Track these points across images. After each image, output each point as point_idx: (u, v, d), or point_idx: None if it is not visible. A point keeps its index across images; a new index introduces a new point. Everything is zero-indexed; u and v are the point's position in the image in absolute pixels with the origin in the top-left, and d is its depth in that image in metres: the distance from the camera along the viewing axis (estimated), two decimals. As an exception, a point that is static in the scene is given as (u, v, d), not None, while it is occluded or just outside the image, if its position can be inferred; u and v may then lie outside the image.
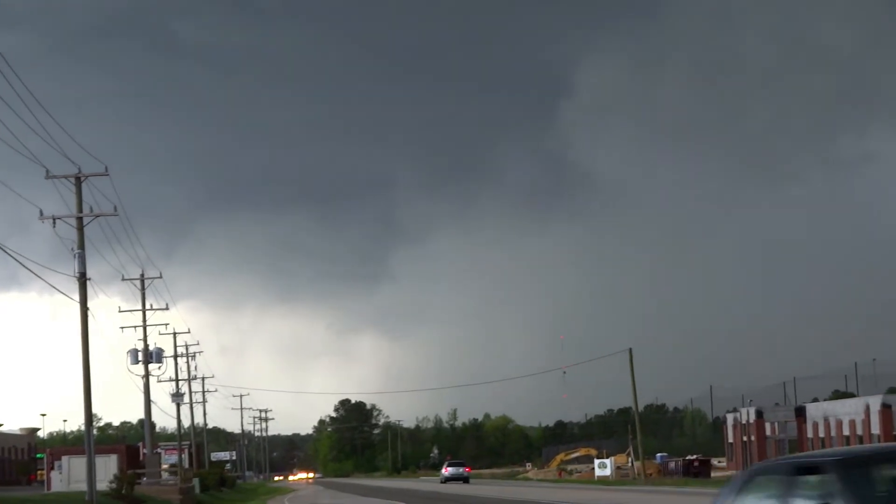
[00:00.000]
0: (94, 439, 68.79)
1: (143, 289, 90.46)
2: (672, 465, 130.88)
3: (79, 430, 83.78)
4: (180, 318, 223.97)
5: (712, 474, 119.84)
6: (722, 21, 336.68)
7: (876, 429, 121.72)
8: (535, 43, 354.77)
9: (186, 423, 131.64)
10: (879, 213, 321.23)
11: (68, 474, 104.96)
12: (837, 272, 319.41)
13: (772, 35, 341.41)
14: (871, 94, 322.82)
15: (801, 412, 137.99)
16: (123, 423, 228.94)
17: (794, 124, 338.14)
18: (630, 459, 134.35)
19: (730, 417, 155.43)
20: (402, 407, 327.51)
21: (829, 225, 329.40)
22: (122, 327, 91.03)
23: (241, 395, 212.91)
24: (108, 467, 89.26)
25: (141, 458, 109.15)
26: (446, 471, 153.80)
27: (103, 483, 72.85)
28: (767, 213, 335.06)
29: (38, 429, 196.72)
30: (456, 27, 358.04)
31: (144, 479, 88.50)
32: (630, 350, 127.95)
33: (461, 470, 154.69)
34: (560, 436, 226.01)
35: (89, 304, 63.02)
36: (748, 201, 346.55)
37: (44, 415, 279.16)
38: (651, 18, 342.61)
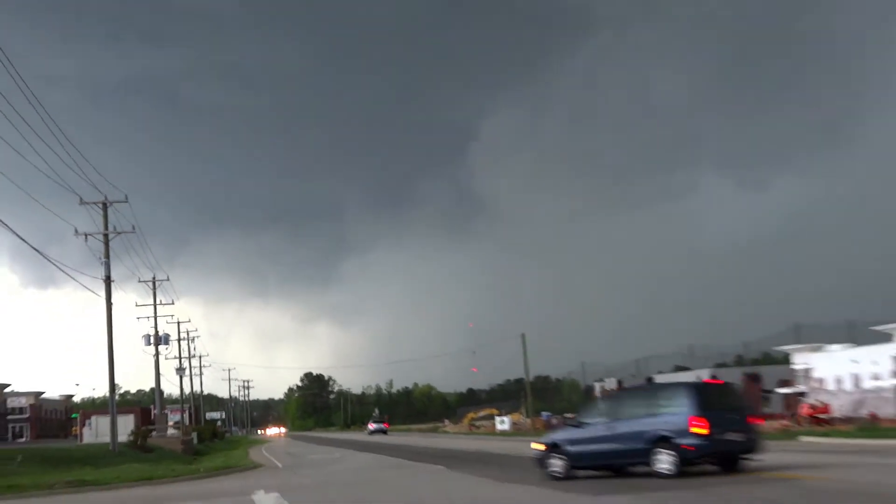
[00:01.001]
0: (116, 403, 69.67)
1: (154, 288, 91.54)
2: (553, 420, 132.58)
3: (104, 397, 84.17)
4: (182, 311, 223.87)
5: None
6: (587, 81, 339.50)
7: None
8: (454, 100, 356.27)
9: (187, 390, 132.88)
10: (700, 226, 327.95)
11: (96, 430, 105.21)
12: (673, 272, 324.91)
13: (626, 93, 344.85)
14: (697, 140, 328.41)
15: (650, 383, 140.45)
16: (139, 391, 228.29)
17: (641, 162, 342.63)
18: (522, 417, 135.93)
19: (597, 385, 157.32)
20: (350, 378, 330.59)
21: (665, 236, 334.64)
22: (137, 318, 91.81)
23: (228, 370, 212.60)
24: (126, 424, 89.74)
25: (152, 417, 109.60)
26: (371, 426, 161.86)
27: (123, 436, 73.67)
28: (622, 227, 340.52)
29: (73, 395, 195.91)
30: (396, 88, 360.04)
31: (155, 433, 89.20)
32: (523, 335, 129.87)
33: (381, 425, 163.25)
34: (471, 400, 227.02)
35: (112, 300, 64.12)
36: (608, 220, 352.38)
37: (77, 384, 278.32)
38: (535, 81, 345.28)
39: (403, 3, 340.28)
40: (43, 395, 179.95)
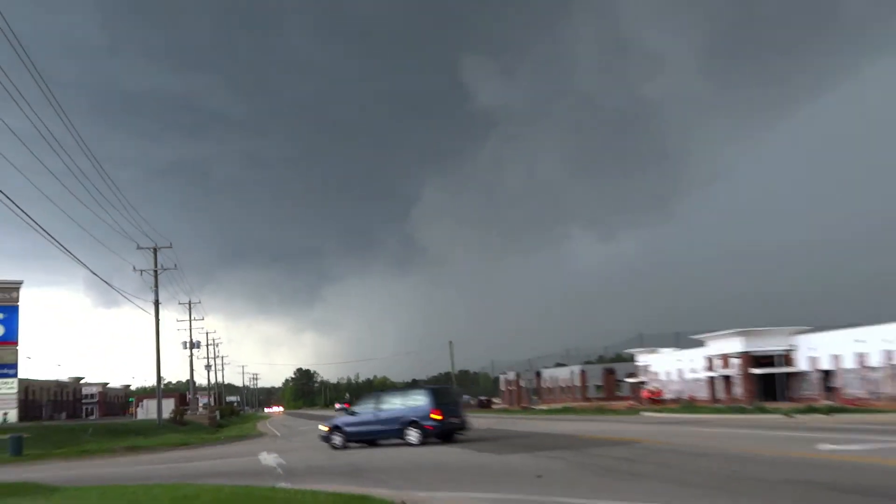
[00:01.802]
0: (161, 390, 69.28)
1: (189, 308, 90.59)
2: (472, 402, 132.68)
3: (152, 386, 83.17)
4: (210, 324, 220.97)
5: (492, 406, 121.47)
6: (493, 162, 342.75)
7: (578, 382, 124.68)
8: (403, 176, 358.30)
9: (212, 380, 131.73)
10: (572, 264, 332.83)
11: (147, 410, 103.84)
12: (555, 295, 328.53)
13: (520, 170, 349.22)
14: (569, 205, 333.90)
15: (538, 374, 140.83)
16: (178, 381, 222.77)
17: (531, 220, 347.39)
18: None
19: (502, 377, 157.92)
20: (329, 372, 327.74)
21: (549, 271, 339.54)
22: (177, 329, 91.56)
23: (242, 366, 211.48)
24: (168, 406, 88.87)
25: (187, 400, 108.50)
26: (337, 406, 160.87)
27: (166, 414, 73.25)
28: (519, 265, 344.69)
29: (129, 385, 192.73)
30: (363, 166, 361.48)
31: (189, 411, 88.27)
32: (450, 342, 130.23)
33: (344, 406, 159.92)
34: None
35: (160, 317, 63.98)
36: (509, 259, 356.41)
37: (133, 377, 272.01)
38: (457, 163, 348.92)
39: (367, 108, 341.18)
40: (108, 385, 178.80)
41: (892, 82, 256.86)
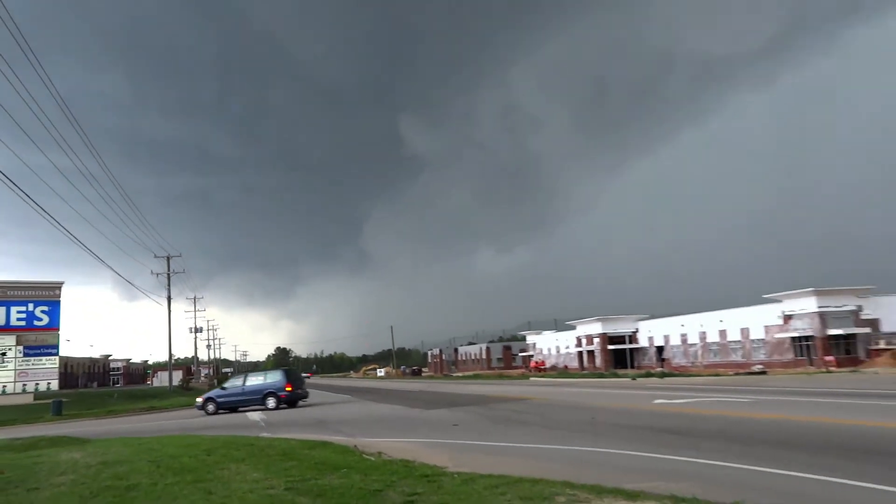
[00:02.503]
0: (172, 364, 67.27)
1: (194, 302, 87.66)
2: (407, 371, 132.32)
3: (165, 361, 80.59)
4: (210, 313, 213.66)
5: (422, 374, 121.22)
6: (422, 195, 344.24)
7: (484, 356, 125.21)
8: (356, 201, 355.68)
9: (212, 356, 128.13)
10: (479, 270, 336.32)
11: (161, 379, 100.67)
12: (468, 291, 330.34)
13: (441, 200, 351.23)
14: (476, 226, 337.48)
15: (456, 350, 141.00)
16: (185, 357, 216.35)
17: (449, 237, 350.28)
18: (391, 369, 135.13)
19: (429, 352, 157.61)
20: (300, 348, 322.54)
21: (463, 274, 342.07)
22: (185, 318, 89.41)
23: (235, 345, 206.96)
24: (177, 376, 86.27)
25: (192, 371, 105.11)
26: (302, 374, 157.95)
27: (175, 382, 70.89)
28: (440, 270, 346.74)
29: (147, 360, 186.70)
30: (326, 195, 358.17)
31: (193, 380, 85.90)
32: (392, 327, 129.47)
33: (307, 375, 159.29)
34: (364, 360, 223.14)
35: (171, 308, 62.03)
36: (433, 266, 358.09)
37: (150, 354, 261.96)
38: (396, 194, 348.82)
39: (331, 152, 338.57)
40: (130, 360, 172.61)
41: (697, 144, 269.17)
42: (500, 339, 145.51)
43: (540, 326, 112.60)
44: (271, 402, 29.71)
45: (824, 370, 45.94)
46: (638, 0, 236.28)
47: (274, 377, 30.89)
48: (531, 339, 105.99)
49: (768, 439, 11.26)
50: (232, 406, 30.48)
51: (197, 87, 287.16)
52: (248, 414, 28.66)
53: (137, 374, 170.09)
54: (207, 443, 13.88)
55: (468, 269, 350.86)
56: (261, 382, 30.56)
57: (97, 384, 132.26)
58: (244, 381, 31.24)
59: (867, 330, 52.68)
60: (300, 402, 31.65)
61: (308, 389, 32.45)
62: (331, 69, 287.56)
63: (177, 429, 21.52)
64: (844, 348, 52.62)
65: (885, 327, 53.04)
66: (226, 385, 32.24)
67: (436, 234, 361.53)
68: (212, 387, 75.68)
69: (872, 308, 53.21)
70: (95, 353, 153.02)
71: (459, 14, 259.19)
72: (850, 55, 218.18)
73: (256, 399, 30.12)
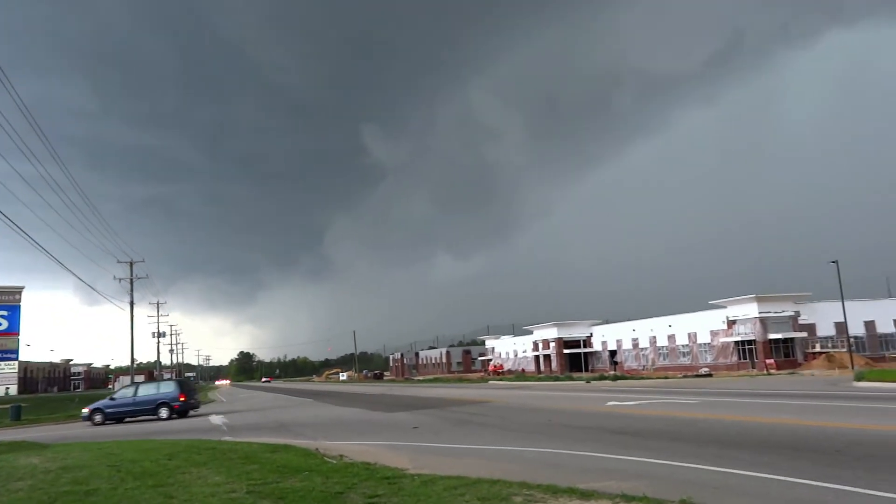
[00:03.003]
0: (134, 369, 65.55)
1: (157, 307, 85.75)
2: (369, 375, 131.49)
3: (127, 366, 78.35)
4: (173, 318, 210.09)
5: (384, 378, 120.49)
6: (382, 203, 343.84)
7: (444, 360, 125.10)
8: (316, 211, 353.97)
9: (175, 361, 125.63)
10: (437, 276, 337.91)
11: (122, 384, 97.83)
12: (426, 296, 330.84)
13: (400, 208, 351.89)
14: (435, 233, 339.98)
15: (417, 354, 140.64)
16: (147, 362, 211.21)
17: (409, 244, 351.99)
18: (354, 373, 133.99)
19: (391, 356, 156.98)
20: (263, 353, 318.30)
21: (422, 279, 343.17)
22: (148, 322, 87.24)
23: (198, 350, 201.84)
24: (139, 380, 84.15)
25: (154, 376, 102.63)
26: (262, 380, 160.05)
27: (138, 387, 69.21)
28: (401, 275, 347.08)
29: (109, 364, 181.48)
30: (286, 204, 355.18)
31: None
32: (354, 332, 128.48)
33: (267, 380, 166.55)
34: (327, 364, 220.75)
35: (134, 313, 60.41)
36: (393, 271, 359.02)
37: (112, 359, 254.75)
38: (356, 203, 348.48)
39: (294, 161, 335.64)
40: (92, 365, 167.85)
41: (645, 157, 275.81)
42: (460, 344, 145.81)
43: (498, 331, 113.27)
44: (164, 413, 28.50)
45: (765, 373, 47.21)
46: (589, 18, 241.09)
47: (167, 388, 29.89)
48: (490, 343, 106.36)
49: (714, 439, 11.49)
50: (120, 416, 28.93)
51: (162, 97, 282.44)
52: (210, 417, 28.08)
53: (99, 378, 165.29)
54: (169, 447, 13.54)
55: (428, 275, 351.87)
56: (153, 393, 29.35)
57: (57, 389, 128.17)
58: (136, 392, 29.70)
59: (804, 334, 54.34)
60: (192, 412, 30.52)
61: (270, 394, 31.73)
62: (294, 80, 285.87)
63: (138, 433, 20.95)
64: (783, 352, 54.16)
65: (821, 332, 54.81)
66: (115, 395, 30.47)
67: (397, 241, 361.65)
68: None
69: (809, 314, 54.93)
70: (56, 358, 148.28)
71: (420, 26, 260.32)
72: (784, 75, 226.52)
73: (148, 409, 28.85)
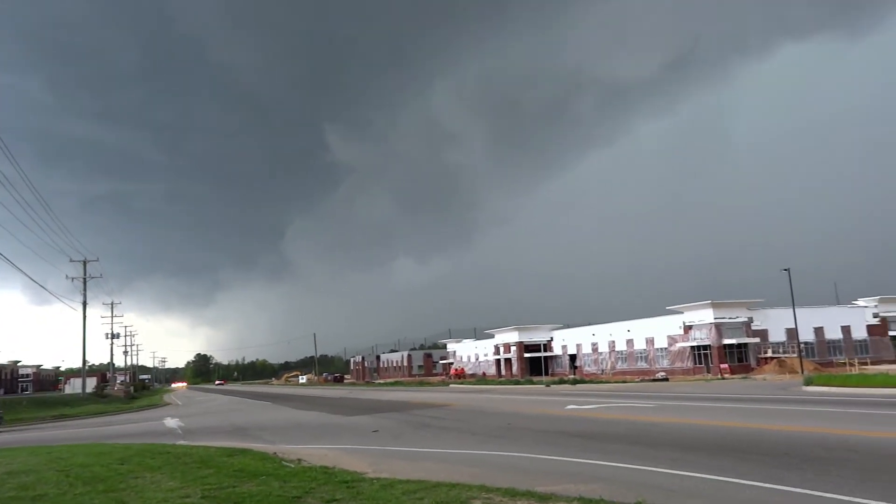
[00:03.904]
0: (86, 371, 63.77)
1: (112, 307, 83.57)
2: (330, 378, 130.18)
3: (78, 367, 75.90)
4: (128, 319, 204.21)
5: (344, 381, 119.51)
6: (344, 204, 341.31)
7: (406, 363, 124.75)
8: (277, 213, 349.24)
9: (129, 363, 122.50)
10: (397, 280, 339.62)
11: (73, 386, 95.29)
12: (388, 299, 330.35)
13: (362, 211, 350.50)
14: (395, 237, 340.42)
15: (378, 357, 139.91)
16: (101, 363, 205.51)
17: (370, 246, 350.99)
18: (314, 376, 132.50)
19: (352, 359, 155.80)
20: (221, 355, 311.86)
21: (382, 283, 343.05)
22: (102, 323, 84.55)
23: (153, 352, 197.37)
24: (91, 383, 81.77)
25: (107, 378, 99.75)
26: (216, 383, 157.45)
27: (89, 389, 67.13)
28: (361, 279, 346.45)
29: (60, 366, 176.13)
30: (248, 205, 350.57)
31: (108, 387, 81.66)
32: (314, 334, 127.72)
33: (221, 382, 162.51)
34: (286, 367, 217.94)
35: (86, 313, 58.80)
36: (353, 274, 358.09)
37: (63, 360, 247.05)
38: (317, 204, 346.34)
39: (255, 161, 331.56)
40: (41, 367, 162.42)
41: (599, 167, 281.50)
42: (422, 347, 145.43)
43: (460, 335, 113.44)
44: None
45: (719, 377, 48.30)
46: (551, 24, 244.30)
47: None
48: (451, 347, 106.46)
49: (670, 442, 11.70)
50: None
51: (121, 92, 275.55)
52: (165, 421, 27.47)
53: (48, 380, 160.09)
54: (121, 451, 13.20)
55: (390, 277, 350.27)
56: None
57: (4, 391, 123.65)
58: None
59: (757, 340, 55.79)
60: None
61: (216, 395, 30.94)
62: (257, 79, 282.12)
63: (90, 437, 20.36)
64: (737, 356, 55.51)
65: (773, 337, 56.35)
66: None
67: (358, 243, 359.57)
68: (127, 394, 72.19)
69: (761, 320, 56.43)
70: (2, 360, 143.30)
71: (385, 27, 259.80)
72: (737, 87, 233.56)
73: None
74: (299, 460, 11.02)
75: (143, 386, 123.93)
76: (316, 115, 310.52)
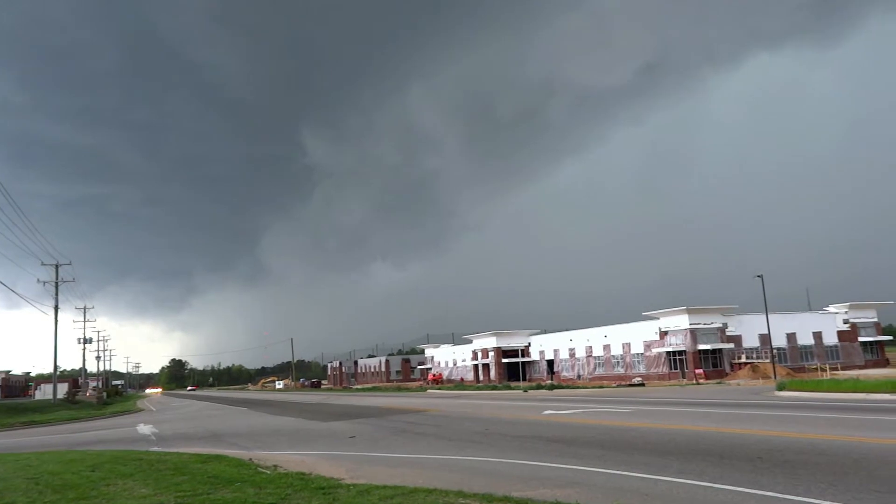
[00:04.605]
0: (57, 376, 62.57)
1: (84, 312, 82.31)
2: (307, 383, 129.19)
3: (50, 373, 74.30)
4: (101, 323, 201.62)
5: (322, 386, 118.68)
6: (321, 207, 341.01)
7: (384, 368, 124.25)
8: (254, 217, 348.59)
9: (102, 368, 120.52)
10: (374, 284, 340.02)
11: (44, 392, 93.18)
12: (365, 304, 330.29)
13: (337, 214, 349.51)
14: (370, 241, 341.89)
15: (356, 363, 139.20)
16: (73, 369, 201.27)
17: (345, 251, 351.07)
18: (290, 381, 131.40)
19: (329, 365, 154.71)
20: (196, 361, 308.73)
21: (358, 288, 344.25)
22: (74, 328, 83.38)
23: (127, 357, 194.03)
24: (62, 388, 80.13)
25: (79, 383, 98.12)
26: (188, 388, 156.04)
27: (60, 395, 65.91)
28: (337, 283, 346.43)
29: (30, 371, 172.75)
30: (226, 209, 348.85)
31: (80, 393, 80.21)
32: (292, 339, 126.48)
33: (193, 388, 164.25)
34: (263, 373, 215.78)
35: (58, 318, 57.73)
36: (329, 279, 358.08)
37: (34, 365, 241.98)
38: (292, 209, 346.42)
39: (232, 165, 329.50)
40: (10, 372, 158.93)
41: (573, 175, 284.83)
42: (400, 352, 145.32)
43: (438, 340, 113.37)
44: None
45: (694, 382, 48.82)
46: (525, 32, 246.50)
47: None
48: (429, 352, 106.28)
49: (645, 447, 11.81)
50: None
51: (98, 94, 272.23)
52: (138, 427, 27.06)
53: (18, 386, 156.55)
54: (93, 458, 12.97)
55: (368, 282, 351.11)
56: None
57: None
58: None
59: (731, 345, 56.54)
60: None
61: (194, 402, 30.64)
62: (236, 83, 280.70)
63: (60, 444, 19.97)
64: (712, 362, 56.18)
65: (746, 343, 57.15)
66: None
67: (335, 248, 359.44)
68: (100, 399, 70.95)
69: (735, 325, 57.20)
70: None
71: (364, 33, 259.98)
72: (708, 97, 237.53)
73: None
74: (275, 466, 10.93)
75: (116, 392, 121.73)
76: (295, 119, 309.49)
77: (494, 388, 52.30)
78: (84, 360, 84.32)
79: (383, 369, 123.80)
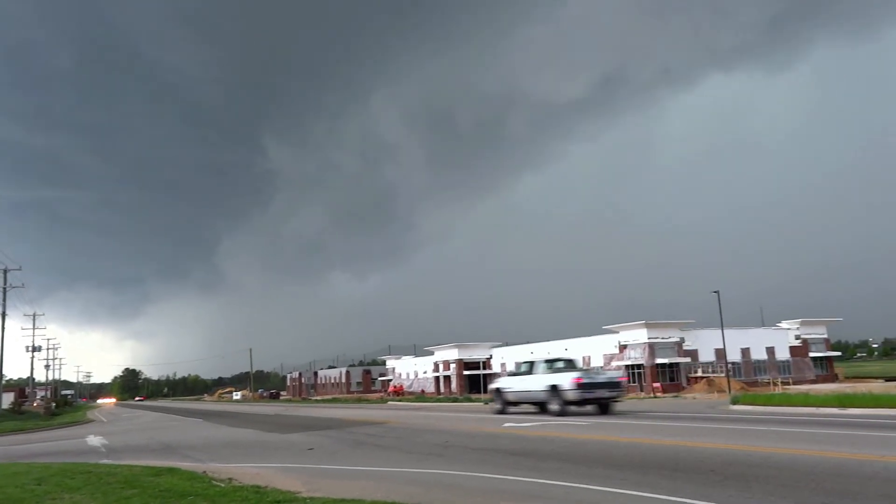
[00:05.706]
0: (2, 385, 60.36)
1: (34, 319, 79.65)
2: (265, 394, 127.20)
3: (-5, 381, 71.93)
4: (51, 331, 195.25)
5: (280, 398, 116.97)
6: (278, 218, 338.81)
7: (344, 380, 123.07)
8: (211, 225, 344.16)
9: (51, 377, 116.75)
10: (336, 294, 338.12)
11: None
12: (326, 314, 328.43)
13: (296, 224, 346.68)
14: (330, 251, 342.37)
15: (316, 374, 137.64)
16: (20, 378, 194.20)
17: (305, 259, 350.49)
18: (248, 392, 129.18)
19: (288, 375, 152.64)
20: (151, 370, 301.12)
21: (321, 296, 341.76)
22: (22, 336, 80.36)
23: (77, 366, 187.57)
24: (8, 398, 77.29)
25: (26, 393, 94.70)
26: (137, 399, 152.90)
27: (6, 405, 63.67)
28: (299, 292, 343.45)
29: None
30: (181, 217, 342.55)
31: (26, 403, 77.56)
32: (251, 349, 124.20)
33: (141, 399, 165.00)
34: (220, 383, 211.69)
35: (6, 325, 55.70)
36: (291, 287, 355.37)
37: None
38: (249, 218, 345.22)
39: (189, 170, 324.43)
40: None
41: (533, 188, 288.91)
42: (361, 363, 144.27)
43: (400, 351, 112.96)
44: None
45: (652, 395, 49.59)
46: (487, 44, 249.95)
47: None
48: (391, 363, 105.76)
49: (603, 460, 11.92)
50: None
51: (51, 94, 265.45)
52: (88, 439, 26.23)
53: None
54: (38, 471, 12.52)
55: (329, 293, 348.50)
56: None
57: None
58: None
59: (688, 359, 57.65)
60: None
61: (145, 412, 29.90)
62: (194, 87, 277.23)
63: (4, 456, 19.23)
64: (669, 375, 57.18)
65: (703, 357, 58.35)
66: None
67: (294, 257, 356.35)
68: (47, 409, 68.57)
69: (692, 340, 58.37)
70: None
71: (327, 39, 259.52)
72: (663, 115, 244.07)
73: None
74: (230, 479, 10.71)
75: (66, 402, 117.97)
76: (253, 125, 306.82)
77: (455, 399, 52.23)
78: (32, 368, 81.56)
79: (344, 380, 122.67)
